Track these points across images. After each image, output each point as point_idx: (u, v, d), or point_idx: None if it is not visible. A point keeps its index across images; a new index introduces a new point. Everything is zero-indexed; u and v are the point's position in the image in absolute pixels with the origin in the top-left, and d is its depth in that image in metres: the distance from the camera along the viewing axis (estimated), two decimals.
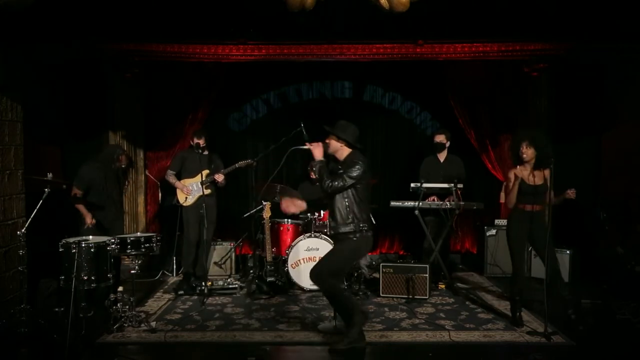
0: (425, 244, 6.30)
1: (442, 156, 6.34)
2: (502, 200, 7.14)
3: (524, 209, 4.73)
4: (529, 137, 4.67)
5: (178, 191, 6.04)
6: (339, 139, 4.29)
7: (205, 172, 5.89)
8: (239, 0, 5.17)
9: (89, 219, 5.29)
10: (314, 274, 4.32)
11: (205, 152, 5.95)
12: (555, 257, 4.81)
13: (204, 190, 5.85)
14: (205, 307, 5.38)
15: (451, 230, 6.14)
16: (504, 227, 6.58)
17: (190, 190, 5.93)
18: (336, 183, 4.12)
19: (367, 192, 4.33)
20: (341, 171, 4.18)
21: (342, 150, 4.31)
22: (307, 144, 4.31)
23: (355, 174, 4.12)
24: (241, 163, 5.93)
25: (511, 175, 4.75)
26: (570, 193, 4.72)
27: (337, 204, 4.20)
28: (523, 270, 4.85)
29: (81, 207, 5.33)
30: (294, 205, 4.47)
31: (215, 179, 5.87)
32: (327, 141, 4.33)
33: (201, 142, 5.92)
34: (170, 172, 6.08)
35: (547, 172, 4.67)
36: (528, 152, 4.63)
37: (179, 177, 6.05)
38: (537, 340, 4.44)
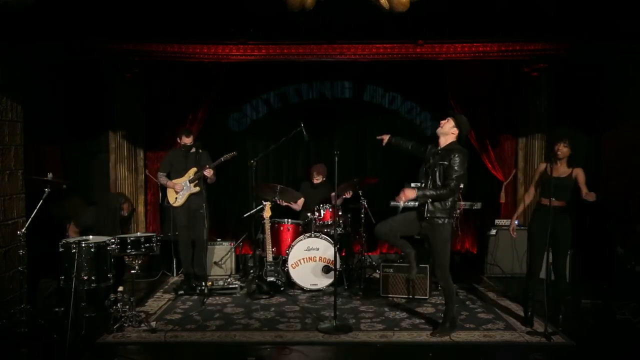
0: (426, 245, 6.30)
1: None
2: (502, 200, 7.15)
3: (543, 203, 4.68)
4: (567, 136, 4.69)
5: (168, 192, 6.02)
6: (456, 125, 4.49)
7: (193, 170, 5.89)
8: (239, 0, 5.17)
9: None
10: (442, 276, 4.53)
11: (193, 150, 5.94)
12: (565, 263, 4.79)
13: (193, 187, 5.85)
14: (205, 307, 5.38)
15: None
16: (504, 227, 6.65)
17: (182, 187, 5.92)
18: (451, 187, 4.34)
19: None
20: (445, 163, 4.38)
21: (449, 137, 4.51)
22: (400, 202, 4.45)
23: (461, 170, 4.35)
24: (226, 156, 5.91)
25: (538, 171, 4.84)
26: (588, 195, 4.57)
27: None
28: (538, 269, 4.78)
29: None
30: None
31: (204, 175, 5.84)
32: (442, 122, 4.54)
33: (188, 140, 5.91)
34: (160, 173, 6.06)
35: (578, 172, 4.64)
36: (564, 150, 4.61)
37: (169, 178, 6.03)
38: (537, 340, 4.44)
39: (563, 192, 4.59)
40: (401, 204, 4.43)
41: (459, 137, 4.52)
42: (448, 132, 4.50)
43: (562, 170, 4.65)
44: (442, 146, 4.51)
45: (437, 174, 4.43)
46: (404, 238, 4.68)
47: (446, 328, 4.55)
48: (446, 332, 4.53)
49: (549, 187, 4.61)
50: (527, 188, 5.21)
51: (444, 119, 4.57)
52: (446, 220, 4.43)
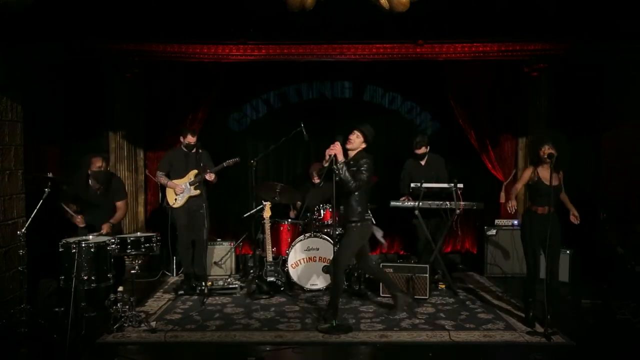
0: (419, 245, 6.34)
1: (423, 160, 6.41)
2: (502, 200, 7.14)
3: (538, 211, 4.69)
4: (552, 139, 4.63)
5: (168, 192, 6.00)
6: (364, 139, 4.78)
7: (194, 172, 5.88)
8: (239, 0, 5.17)
9: (78, 220, 5.26)
10: (334, 271, 4.79)
11: (193, 151, 5.93)
12: (558, 263, 4.80)
13: (193, 190, 5.85)
14: (205, 307, 5.38)
15: (451, 231, 6.14)
16: (504, 227, 6.66)
17: (182, 189, 5.91)
18: (360, 183, 4.62)
19: (369, 186, 4.88)
20: (354, 169, 4.68)
21: (359, 148, 4.79)
22: (330, 148, 4.63)
23: (369, 172, 4.67)
24: (229, 162, 5.93)
25: (528, 172, 4.76)
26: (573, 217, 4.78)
27: (351, 198, 4.71)
28: (537, 272, 4.80)
29: (69, 208, 5.31)
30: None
31: (206, 179, 5.83)
32: (351, 137, 4.76)
33: (193, 140, 5.90)
34: (160, 173, 6.04)
35: (561, 175, 4.69)
36: (549, 153, 4.56)
37: (168, 178, 6.01)
38: (537, 340, 4.44)
39: (549, 197, 4.59)
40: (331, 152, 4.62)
41: (367, 146, 4.84)
42: (359, 146, 4.79)
43: (548, 175, 4.62)
44: (350, 157, 4.78)
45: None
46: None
47: (329, 314, 4.74)
48: (330, 318, 4.68)
49: (541, 195, 4.65)
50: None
51: (352, 133, 4.80)
52: (358, 224, 4.74)
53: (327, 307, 4.94)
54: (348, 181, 4.60)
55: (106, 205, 5.49)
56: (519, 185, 4.91)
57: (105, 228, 5.31)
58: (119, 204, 5.57)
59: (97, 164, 5.38)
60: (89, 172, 5.39)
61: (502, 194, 7.16)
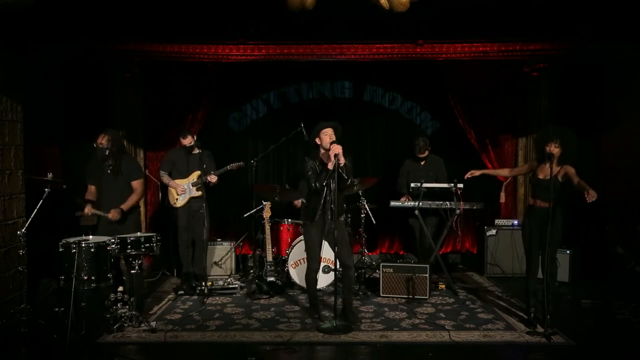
0: (418, 245, 6.34)
1: (423, 161, 6.46)
2: (502, 200, 7.15)
3: (530, 202, 4.75)
4: (558, 135, 4.56)
5: (170, 192, 6.01)
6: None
7: (197, 173, 5.88)
8: (239, 0, 5.17)
9: (87, 209, 5.13)
10: (350, 263, 4.93)
11: (195, 151, 5.93)
12: (555, 263, 4.78)
13: (195, 191, 5.85)
14: (205, 307, 5.38)
15: (451, 231, 6.14)
16: (504, 227, 6.66)
17: (184, 190, 5.91)
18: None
19: None
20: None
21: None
22: (332, 146, 4.59)
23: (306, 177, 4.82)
24: (232, 165, 5.94)
25: (526, 167, 4.94)
26: (590, 196, 4.27)
27: (341, 195, 4.83)
28: (536, 269, 4.80)
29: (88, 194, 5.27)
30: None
31: (208, 181, 5.84)
32: (335, 136, 4.72)
33: (186, 142, 5.89)
34: (162, 172, 6.06)
35: (567, 168, 4.57)
36: (555, 151, 4.53)
37: (171, 177, 6.03)
38: (537, 340, 4.44)
39: (549, 193, 4.54)
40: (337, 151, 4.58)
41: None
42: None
43: (548, 171, 4.58)
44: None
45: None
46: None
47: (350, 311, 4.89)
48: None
49: (537, 189, 4.67)
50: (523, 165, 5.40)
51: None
52: (342, 219, 4.97)
53: (344, 304, 4.87)
54: (349, 179, 4.73)
55: (120, 186, 5.20)
56: (514, 172, 5.45)
57: (112, 214, 5.02)
58: (134, 183, 5.24)
59: (99, 140, 5.18)
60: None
61: (502, 194, 7.15)
